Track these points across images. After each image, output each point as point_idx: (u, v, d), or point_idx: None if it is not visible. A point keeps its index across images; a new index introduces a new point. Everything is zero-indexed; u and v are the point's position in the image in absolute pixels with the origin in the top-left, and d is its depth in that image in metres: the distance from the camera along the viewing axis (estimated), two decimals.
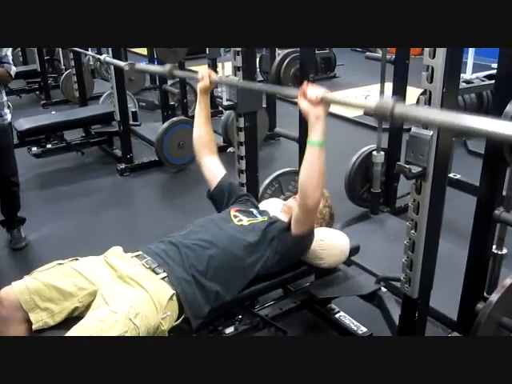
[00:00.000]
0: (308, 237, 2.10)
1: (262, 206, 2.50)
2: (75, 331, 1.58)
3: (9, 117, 3.21)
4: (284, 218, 2.19)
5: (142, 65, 2.73)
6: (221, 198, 2.31)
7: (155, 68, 2.55)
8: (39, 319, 1.75)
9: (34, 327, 1.75)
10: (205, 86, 2.26)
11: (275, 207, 2.36)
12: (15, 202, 3.44)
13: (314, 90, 1.70)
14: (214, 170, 2.33)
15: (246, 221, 2.10)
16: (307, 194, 1.87)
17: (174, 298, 1.79)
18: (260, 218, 2.15)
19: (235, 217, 2.13)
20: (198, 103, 2.35)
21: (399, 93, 3.34)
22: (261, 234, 2.04)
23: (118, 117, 4.58)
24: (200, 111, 2.33)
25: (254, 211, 2.21)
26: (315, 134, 1.77)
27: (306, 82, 1.77)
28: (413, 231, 1.87)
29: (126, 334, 1.59)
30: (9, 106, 3.24)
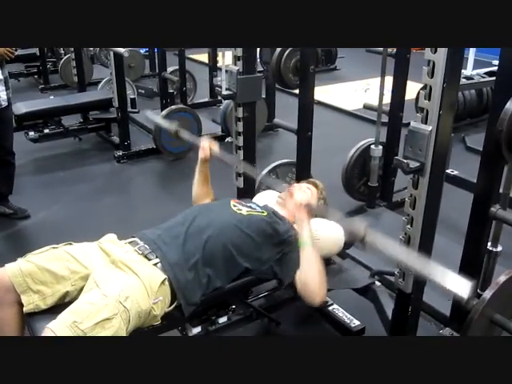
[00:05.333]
0: None
1: (259, 197, 2.50)
2: (66, 314, 1.59)
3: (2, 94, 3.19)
4: (279, 210, 2.18)
5: (151, 115, 2.76)
6: None
7: (164, 124, 2.60)
8: (30, 302, 1.76)
9: (25, 310, 1.76)
10: (206, 157, 2.33)
11: (271, 199, 2.36)
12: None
13: (300, 195, 1.78)
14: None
15: (244, 211, 2.10)
16: (313, 294, 1.90)
17: (166, 282, 1.80)
18: (259, 210, 2.14)
19: (234, 206, 2.13)
20: (197, 169, 2.40)
21: (399, 87, 3.33)
22: (257, 227, 2.03)
23: (116, 103, 4.56)
24: (199, 176, 2.41)
25: (253, 205, 2.20)
26: (303, 234, 1.91)
27: (294, 185, 1.83)
28: (409, 226, 1.87)
29: (116, 317, 1.60)
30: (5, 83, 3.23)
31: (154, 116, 2.70)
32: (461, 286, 1.27)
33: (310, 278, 1.89)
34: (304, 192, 1.82)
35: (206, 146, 2.32)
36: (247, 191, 2.75)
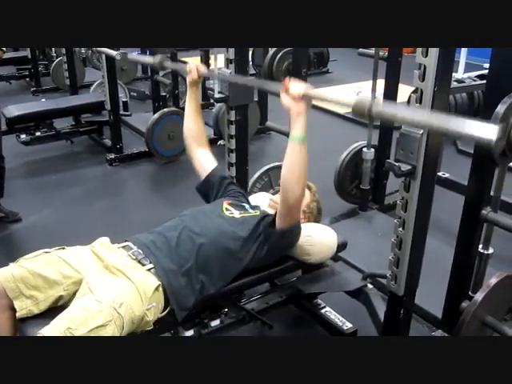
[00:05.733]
0: (293, 231, 2.07)
1: (251, 199, 2.50)
2: (59, 320, 1.58)
3: None
4: (272, 212, 2.19)
5: (134, 55, 2.66)
6: (209, 191, 2.31)
7: (146, 59, 2.51)
8: (23, 307, 1.75)
9: (17, 315, 1.74)
10: (193, 79, 2.26)
11: (264, 201, 2.36)
12: None
13: (296, 86, 1.70)
14: (204, 162, 2.33)
15: (237, 214, 2.10)
16: (288, 189, 1.87)
17: (160, 289, 1.79)
18: (252, 212, 2.14)
19: (227, 209, 2.12)
20: (187, 96, 2.35)
21: (391, 90, 3.34)
22: (251, 228, 2.03)
23: (108, 106, 4.55)
24: (190, 104, 2.34)
25: (246, 206, 2.20)
26: (296, 130, 1.78)
27: (288, 78, 1.77)
28: (400, 229, 1.87)
29: (111, 323, 1.59)
30: None
31: (137, 56, 2.65)
32: (486, 131, 1.15)
33: (289, 175, 1.84)
34: (299, 83, 1.74)
35: (193, 68, 2.24)
36: None
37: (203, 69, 2.27)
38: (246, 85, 2.57)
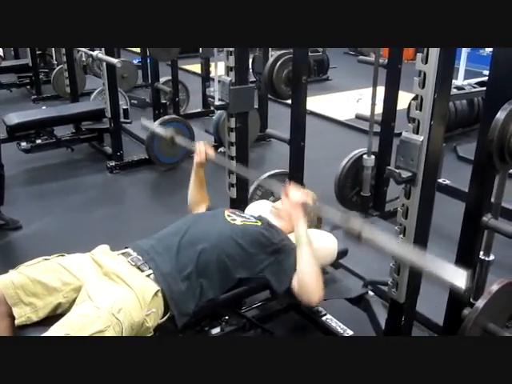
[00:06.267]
0: None
1: (252, 207, 2.50)
2: (58, 327, 1.58)
3: None
4: (273, 220, 2.18)
5: (148, 123, 2.68)
6: None
7: (159, 131, 2.55)
8: (22, 314, 1.75)
9: (16, 322, 1.74)
10: (201, 161, 2.32)
11: (265, 209, 2.35)
12: None
13: (295, 194, 1.82)
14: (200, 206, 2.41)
15: (239, 221, 2.09)
16: (308, 291, 1.86)
17: (159, 294, 1.79)
18: (253, 220, 2.13)
19: (228, 216, 2.12)
20: (193, 174, 2.39)
21: (391, 97, 3.35)
22: (252, 237, 2.01)
23: (109, 114, 4.56)
24: (195, 182, 2.40)
25: (247, 215, 2.20)
26: (299, 232, 1.89)
27: (289, 184, 1.92)
28: (401, 236, 1.87)
29: (109, 329, 1.59)
30: None
31: (150, 124, 2.68)
32: (457, 277, 1.26)
33: (307, 277, 1.85)
34: (299, 191, 1.83)
35: (202, 150, 2.31)
36: (240, 201, 2.75)
37: (212, 152, 2.33)
38: (247, 92, 2.58)
